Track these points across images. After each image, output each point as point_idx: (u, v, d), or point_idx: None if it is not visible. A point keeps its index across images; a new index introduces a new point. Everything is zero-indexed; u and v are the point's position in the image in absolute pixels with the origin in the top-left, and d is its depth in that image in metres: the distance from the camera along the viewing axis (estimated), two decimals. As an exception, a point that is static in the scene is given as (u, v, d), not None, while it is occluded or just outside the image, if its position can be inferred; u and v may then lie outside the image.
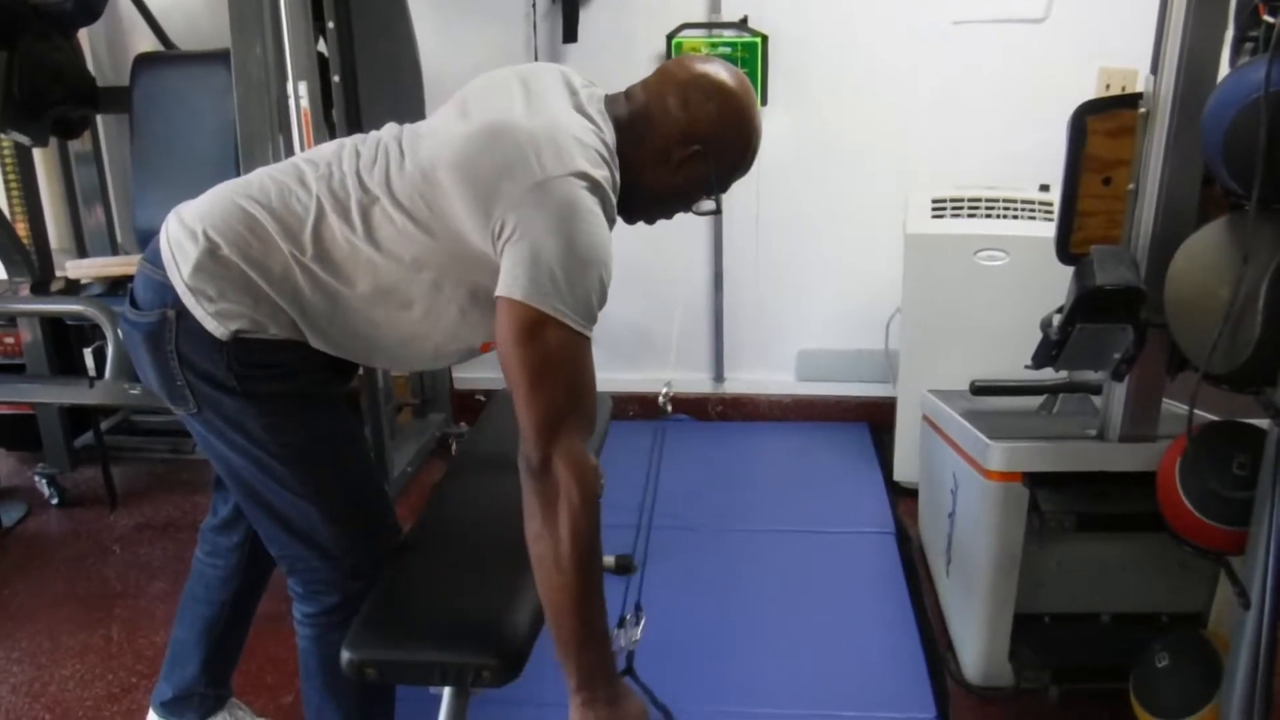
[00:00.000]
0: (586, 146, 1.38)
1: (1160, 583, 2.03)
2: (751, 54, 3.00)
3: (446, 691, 1.49)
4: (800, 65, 3.07)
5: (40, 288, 2.83)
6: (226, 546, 1.80)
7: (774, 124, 3.00)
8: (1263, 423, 1.49)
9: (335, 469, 1.54)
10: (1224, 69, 1.60)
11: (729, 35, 3.03)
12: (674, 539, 2.67)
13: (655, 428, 3.37)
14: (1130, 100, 1.75)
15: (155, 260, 1.45)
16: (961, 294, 2.65)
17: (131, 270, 2.66)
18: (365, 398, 2.64)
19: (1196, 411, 1.53)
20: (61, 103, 2.81)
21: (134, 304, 1.48)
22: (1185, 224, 1.69)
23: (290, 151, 2.29)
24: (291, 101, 2.29)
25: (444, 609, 1.51)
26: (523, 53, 3.12)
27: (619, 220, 1.48)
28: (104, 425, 3.14)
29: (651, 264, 2.92)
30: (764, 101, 3.02)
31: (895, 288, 2.77)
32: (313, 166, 1.46)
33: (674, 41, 3.03)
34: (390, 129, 1.51)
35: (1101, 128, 1.76)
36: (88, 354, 2.63)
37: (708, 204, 1.58)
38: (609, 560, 2.50)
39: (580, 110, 1.44)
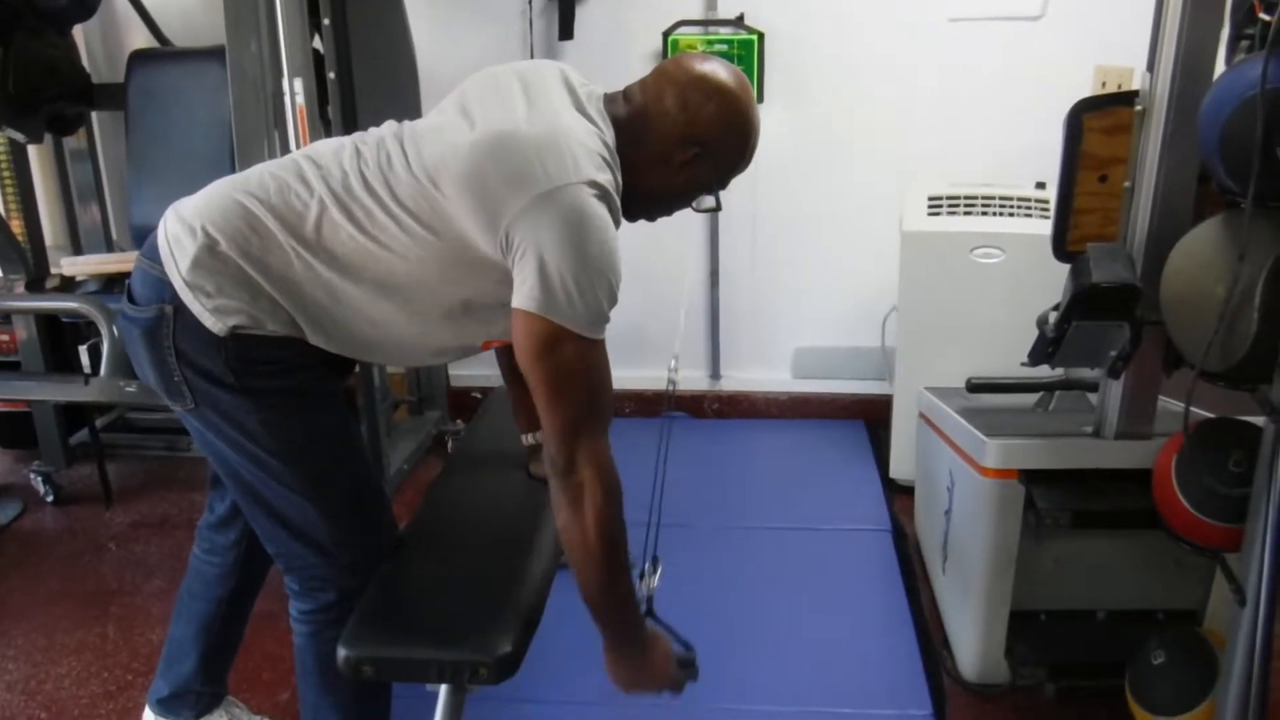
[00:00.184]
0: (591, 151, 1.38)
1: (1156, 580, 2.04)
2: (748, 51, 3.00)
3: (443, 689, 1.49)
4: (796, 62, 3.07)
5: (35, 285, 2.82)
6: (224, 544, 1.80)
7: (770, 122, 2.96)
8: (1259, 420, 1.49)
9: (332, 466, 1.53)
10: (1220, 67, 1.60)
11: (725, 32, 3.02)
12: (669, 536, 2.66)
13: (653, 425, 3.38)
14: (1126, 98, 1.75)
15: (153, 256, 1.45)
16: (957, 291, 2.65)
17: (126, 268, 2.66)
18: (361, 395, 2.64)
19: (1193, 409, 1.53)
20: (56, 99, 2.81)
21: (131, 299, 1.48)
22: (1181, 221, 1.69)
23: (285, 148, 2.28)
24: (287, 98, 2.29)
25: (440, 607, 1.50)
26: (519, 50, 3.11)
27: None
28: (99, 423, 3.14)
29: (648, 262, 2.91)
30: (760, 99, 3.01)
31: (891, 285, 2.77)
32: (313, 164, 1.45)
33: (670, 39, 3.03)
34: (390, 127, 1.50)
35: (1098, 125, 1.76)
36: (83, 351, 2.62)
37: (708, 200, 1.58)
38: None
39: (581, 111, 1.44)
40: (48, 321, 2.91)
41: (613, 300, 1.35)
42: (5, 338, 2.93)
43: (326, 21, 2.40)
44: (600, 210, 1.34)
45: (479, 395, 3.34)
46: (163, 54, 3.04)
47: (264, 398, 1.45)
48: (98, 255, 3.10)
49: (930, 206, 2.70)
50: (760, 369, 3.42)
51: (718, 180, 1.56)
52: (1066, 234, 1.84)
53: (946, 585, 2.27)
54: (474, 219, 1.35)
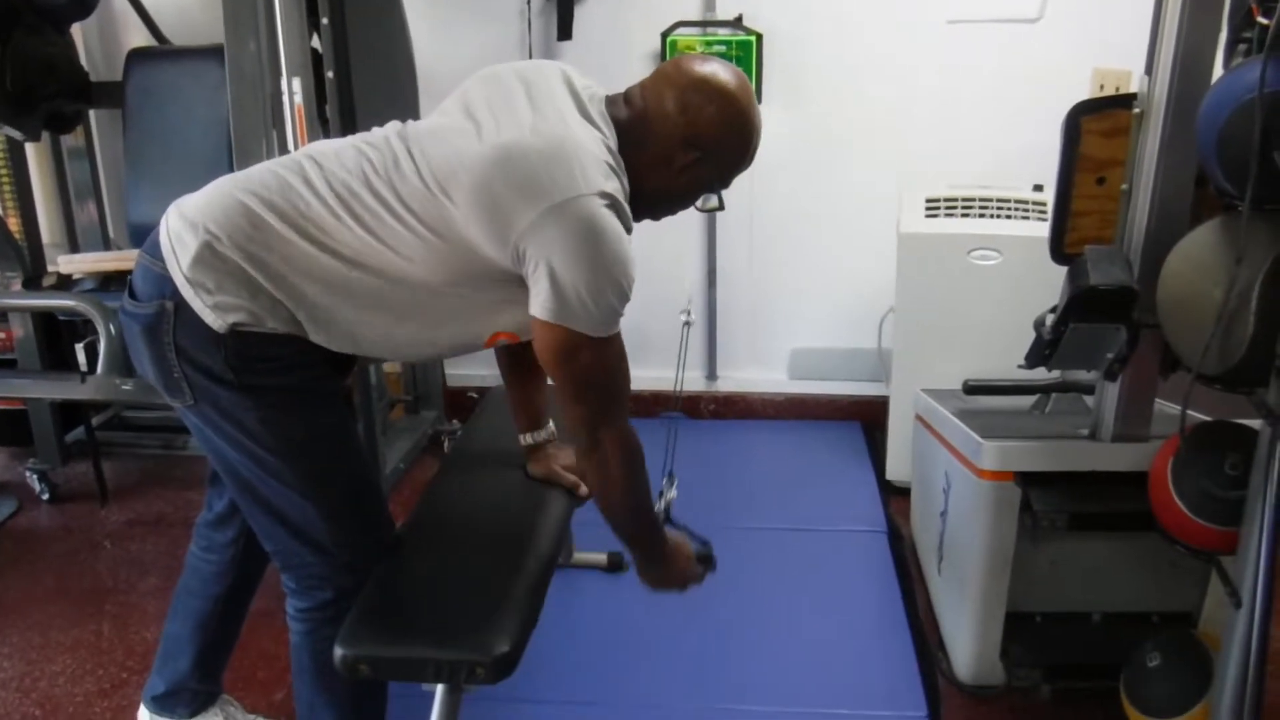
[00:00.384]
0: (598, 160, 1.39)
1: (1151, 582, 2.04)
2: (746, 52, 3.00)
3: (439, 688, 1.49)
4: (795, 63, 3.07)
5: (32, 283, 2.82)
6: (221, 542, 1.80)
7: (768, 122, 2.94)
8: (1255, 423, 1.49)
9: (330, 464, 1.54)
10: (1218, 70, 1.61)
11: (724, 33, 3.03)
12: (667, 537, 2.67)
13: (651, 426, 3.38)
14: (1125, 101, 1.75)
15: (154, 252, 1.45)
16: (955, 293, 2.65)
17: (123, 266, 2.67)
18: (358, 394, 2.64)
19: (1189, 411, 1.53)
20: (54, 97, 2.80)
21: (133, 295, 1.48)
22: (1179, 224, 1.69)
23: (284, 148, 2.28)
24: (285, 97, 2.28)
25: (437, 606, 1.51)
26: (517, 50, 3.11)
27: None
28: (95, 421, 3.13)
29: (647, 261, 2.90)
30: (759, 100, 2.97)
31: (889, 287, 2.78)
32: (316, 165, 1.45)
33: (669, 39, 3.03)
34: (394, 127, 1.50)
35: (1096, 128, 1.76)
36: (79, 349, 2.62)
37: (712, 200, 1.59)
38: (600, 558, 2.51)
39: (584, 115, 1.45)
40: (44, 319, 2.91)
41: (626, 300, 1.40)
42: (2, 335, 2.93)
43: (325, 21, 2.40)
44: (611, 220, 1.36)
45: (475, 395, 3.33)
46: (161, 52, 3.04)
47: (263, 395, 1.45)
48: (95, 253, 3.09)
49: (928, 208, 2.71)
50: (757, 370, 3.42)
51: (720, 180, 1.57)
52: (1064, 236, 1.84)
53: (942, 587, 2.27)
54: (484, 230, 1.37)
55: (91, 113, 3.18)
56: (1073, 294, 1.71)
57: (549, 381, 1.51)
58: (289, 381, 1.47)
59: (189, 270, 1.40)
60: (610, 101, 1.51)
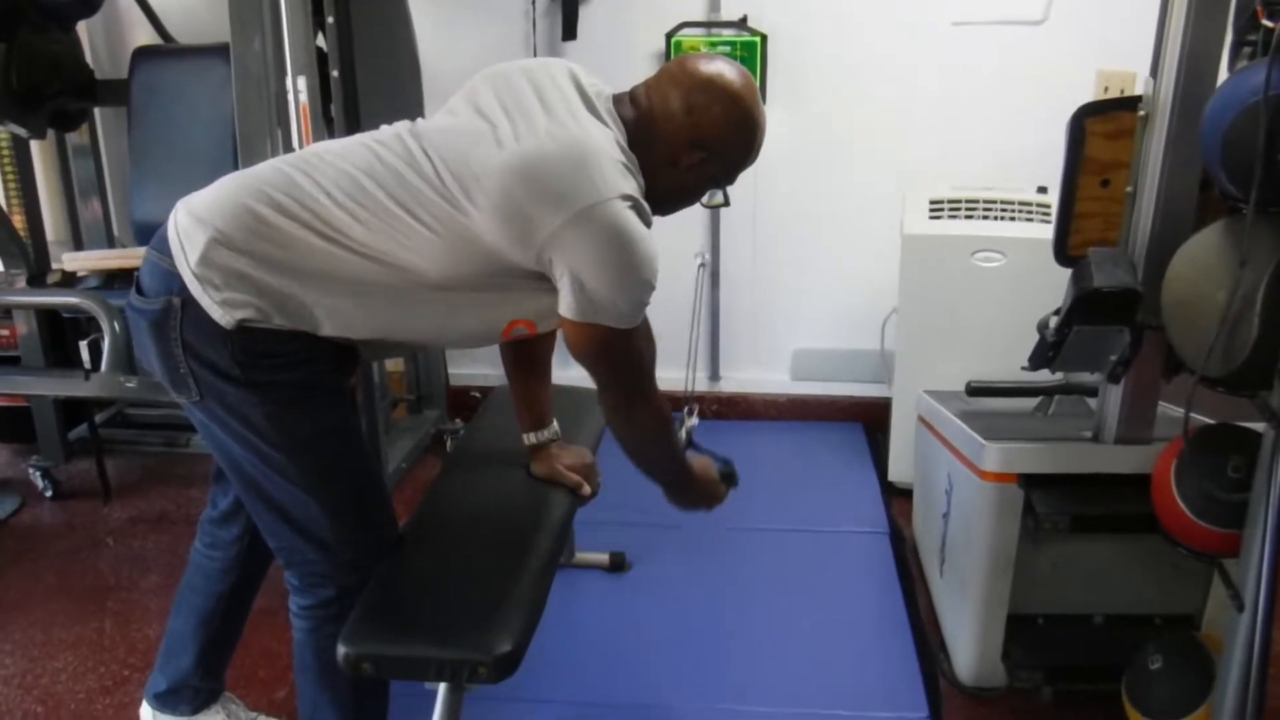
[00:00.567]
0: (615, 161, 1.40)
1: (1153, 584, 2.04)
2: (751, 53, 3.00)
3: (442, 687, 1.49)
4: (799, 65, 3.07)
5: (36, 280, 2.82)
6: (225, 539, 1.80)
7: (772, 123, 2.94)
8: (1258, 426, 1.49)
9: (335, 461, 1.54)
10: (1223, 73, 1.61)
11: (728, 34, 3.03)
12: (667, 537, 2.67)
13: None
14: (1129, 103, 1.75)
15: (162, 248, 1.46)
16: (958, 295, 2.65)
17: (127, 263, 2.68)
18: (360, 393, 2.64)
19: (1192, 414, 1.53)
20: (59, 95, 2.81)
21: (140, 291, 1.48)
22: (1183, 227, 1.69)
23: (288, 146, 2.28)
24: (290, 96, 2.29)
25: (440, 605, 1.51)
26: (522, 49, 3.11)
27: None
28: (99, 418, 3.13)
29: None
30: (762, 100, 3.02)
31: (892, 288, 2.77)
32: (324, 163, 1.45)
33: (673, 40, 3.03)
34: (404, 126, 1.50)
35: (1100, 130, 1.76)
36: (83, 347, 2.62)
37: (718, 196, 1.61)
38: (602, 558, 2.52)
39: (594, 114, 1.45)
40: (48, 316, 2.91)
41: (652, 291, 1.44)
42: (5, 332, 2.93)
43: (330, 20, 2.40)
44: (633, 220, 1.38)
45: (478, 394, 3.34)
46: (166, 51, 3.04)
47: (269, 391, 1.45)
48: (99, 251, 3.10)
49: (931, 210, 2.71)
50: (759, 370, 3.42)
51: (725, 176, 1.59)
52: (1068, 238, 1.84)
53: (944, 588, 2.27)
54: (505, 236, 1.38)
55: (96, 110, 3.18)
56: (1076, 296, 1.71)
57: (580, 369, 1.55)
58: (295, 378, 1.47)
59: (197, 266, 1.40)
60: (616, 100, 1.52)
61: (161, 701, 1.87)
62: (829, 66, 3.08)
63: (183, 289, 1.41)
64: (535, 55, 3.10)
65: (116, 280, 2.70)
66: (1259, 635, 1.46)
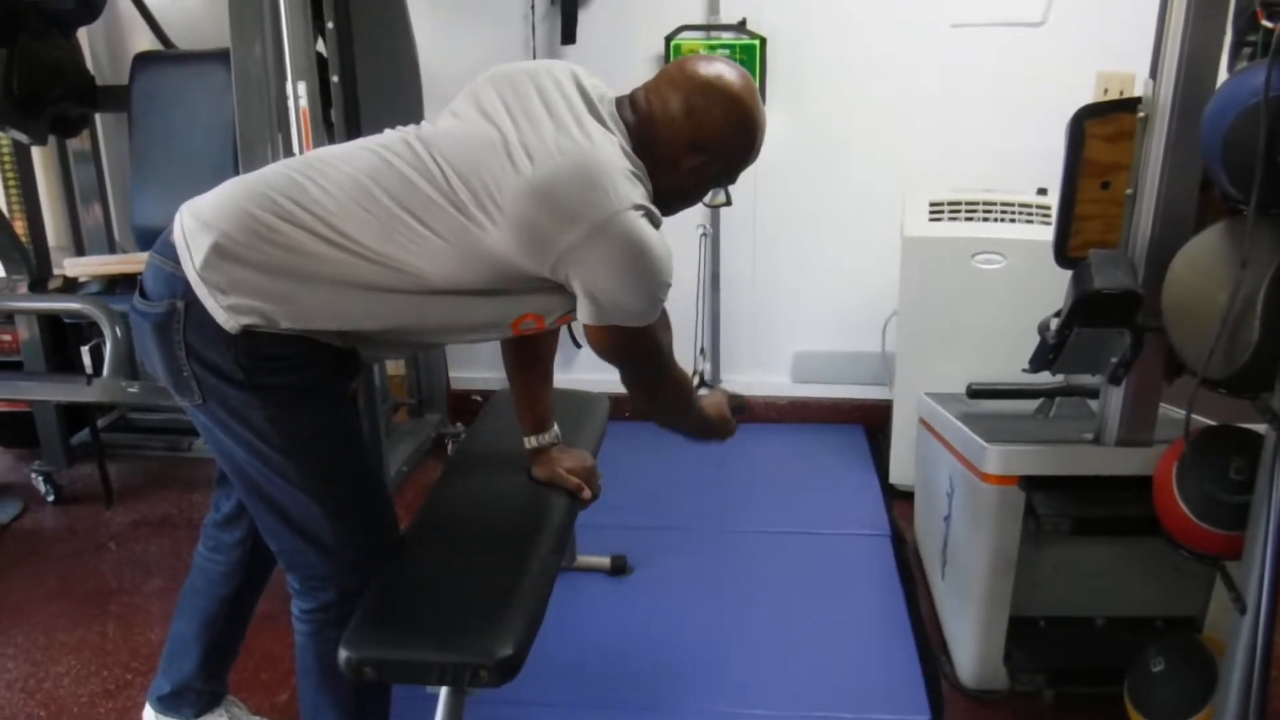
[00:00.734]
0: (624, 170, 1.41)
1: (1155, 587, 2.04)
2: (750, 56, 3.01)
3: (443, 691, 1.49)
4: (799, 67, 3.07)
5: (38, 286, 2.83)
6: (229, 542, 1.80)
7: (772, 126, 2.94)
8: (1260, 427, 1.49)
9: (337, 464, 1.54)
10: (1223, 74, 1.61)
11: (727, 37, 3.03)
12: (669, 540, 2.67)
13: (651, 428, 3.38)
14: (1129, 104, 1.75)
15: (166, 252, 1.46)
16: (958, 297, 2.65)
17: (129, 269, 2.68)
18: (361, 397, 2.64)
19: (1194, 416, 1.53)
20: (60, 101, 2.81)
21: (143, 294, 1.49)
22: (1183, 228, 1.69)
23: (289, 151, 2.29)
24: (290, 101, 2.29)
25: (442, 609, 1.51)
26: (521, 53, 3.12)
27: None
28: (100, 423, 3.14)
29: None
30: (762, 103, 3.02)
31: (892, 290, 2.78)
32: (330, 167, 1.45)
33: (672, 43, 3.04)
34: (411, 131, 1.50)
35: (1100, 132, 1.76)
36: (85, 352, 2.62)
37: (719, 195, 1.63)
38: (604, 561, 2.52)
39: (598, 119, 1.46)
40: (50, 322, 2.91)
41: (668, 289, 1.47)
42: (8, 338, 2.93)
43: (330, 25, 2.41)
44: (646, 230, 1.40)
45: (479, 398, 3.34)
46: (166, 56, 3.05)
47: (271, 394, 1.45)
48: (100, 256, 3.10)
49: (931, 212, 2.71)
50: (760, 373, 3.42)
51: (727, 176, 1.60)
52: (1068, 240, 1.84)
53: (946, 591, 2.27)
54: (520, 251, 1.40)
55: (97, 116, 3.19)
56: (1077, 298, 1.71)
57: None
58: (297, 381, 1.47)
59: (202, 270, 1.40)
60: (617, 104, 1.52)
61: (165, 705, 1.87)
62: (828, 69, 3.08)
63: (186, 292, 1.42)
64: (535, 59, 3.10)
65: (118, 285, 2.70)
66: (1261, 637, 1.46)
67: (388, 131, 1.53)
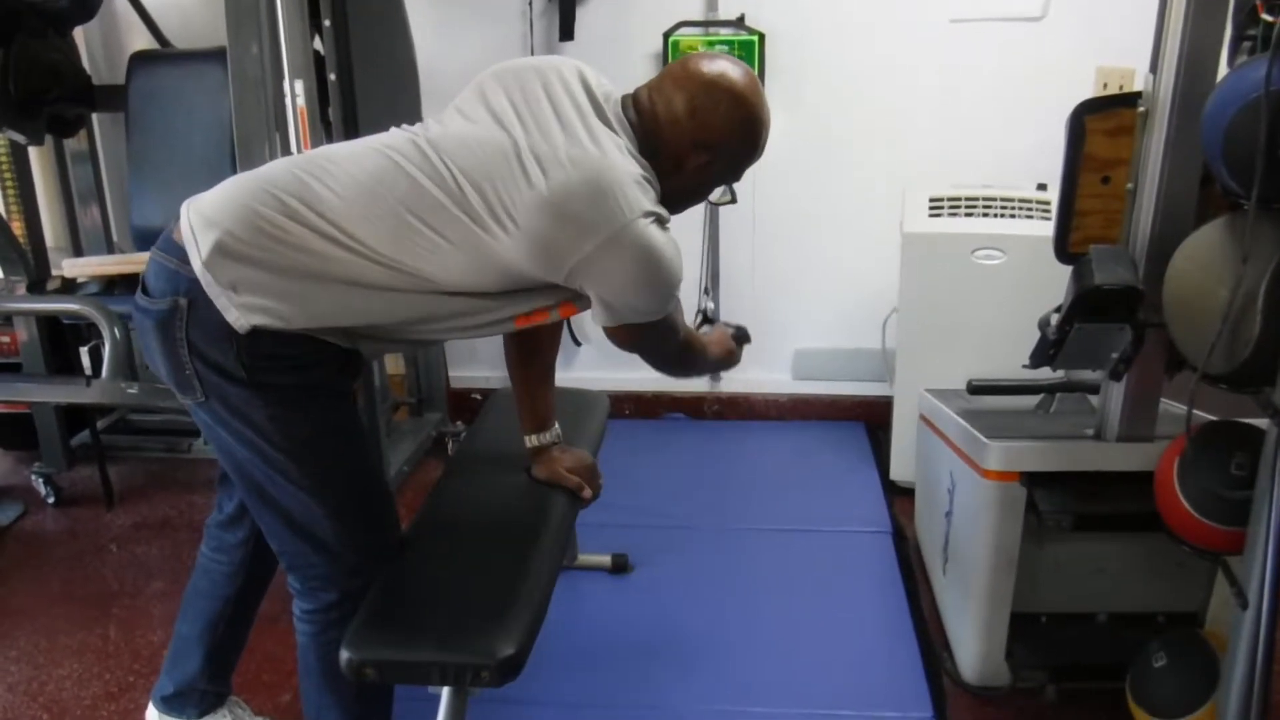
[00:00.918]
0: (634, 177, 1.42)
1: (1157, 582, 2.04)
2: (748, 52, 3.00)
3: (445, 691, 1.49)
4: (797, 63, 3.07)
5: (36, 287, 2.82)
6: (231, 543, 1.80)
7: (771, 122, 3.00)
8: (1261, 422, 1.49)
9: (339, 464, 1.54)
10: (1223, 69, 1.60)
11: (726, 33, 3.02)
12: (670, 538, 2.67)
13: (652, 426, 3.39)
14: (1129, 99, 1.75)
15: (169, 249, 1.46)
16: (959, 293, 2.65)
17: (127, 269, 2.68)
18: (361, 396, 2.64)
19: (1195, 411, 1.52)
20: (57, 101, 2.81)
21: (146, 291, 1.49)
22: (1184, 223, 1.69)
23: (286, 150, 2.28)
24: (288, 100, 2.29)
25: (443, 609, 1.51)
26: (519, 50, 3.11)
27: None
28: (100, 424, 3.13)
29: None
30: (761, 100, 3.01)
31: (892, 287, 2.77)
32: (336, 166, 1.45)
33: (671, 39, 3.03)
34: (420, 133, 1.49)
35: (1100, 127, 1.76)
36: (84, 353, 2.62)
37: (725, 193, 1.63)
38: (604, 560, 2.52)
39: (605, 122, 1.46)
40: (49, 323, 2.91)
41: (679, 283, 1.50)
42: (6, 339, 2.93)
43: (327, 23, 2.40)
44: (658, 236, 1.41)
45: (479, 397, 3.34)
46: (163, 55, 3.04)
47: (273, 393, 1.45)
48: (98, 257, 3.10)
49: (931, 208, 2.70)
50: (760, 370, 3.40)
51: (731, 174, 1.60)
52: (1069, 235, 1.84)
53: (947, 587, 2.27)
54: (532, 263, 1.41)
55: (94, 116, 3.18)
56: (1077, 294, 1.71)
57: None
58: (299, 380, 1.47)
59: (209, 268, 1.40)
60: (621, 103, 1.52)
61: (168, 705, 1.87)
62: (827, 64, 3.08)
63: (189, 289, 1.41)
64: (532, 55, 3.10)
65: (117, 286, 2.70)
66: (1263, 632, 1.46)
67: (394, 131, 1.52)
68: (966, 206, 2.68)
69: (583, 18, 3.08)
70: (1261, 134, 1.31)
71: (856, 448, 3.20)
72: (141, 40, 3.15)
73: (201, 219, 1.43)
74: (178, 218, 1.47)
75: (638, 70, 3.10)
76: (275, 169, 1.48)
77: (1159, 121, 1.70)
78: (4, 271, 2.86)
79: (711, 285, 3.29)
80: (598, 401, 2.26)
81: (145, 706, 1.92)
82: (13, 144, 2.89)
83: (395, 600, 1.52)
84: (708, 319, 2.05)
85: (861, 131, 3.11)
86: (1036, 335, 1.86)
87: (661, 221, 1.44)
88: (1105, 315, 1.73)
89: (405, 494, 2.89)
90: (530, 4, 3.07)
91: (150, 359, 1.52)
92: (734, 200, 1.67)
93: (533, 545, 1.64)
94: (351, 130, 2.45)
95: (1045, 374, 2.02)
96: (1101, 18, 2.84)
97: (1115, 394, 1.89)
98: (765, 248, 3.26)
